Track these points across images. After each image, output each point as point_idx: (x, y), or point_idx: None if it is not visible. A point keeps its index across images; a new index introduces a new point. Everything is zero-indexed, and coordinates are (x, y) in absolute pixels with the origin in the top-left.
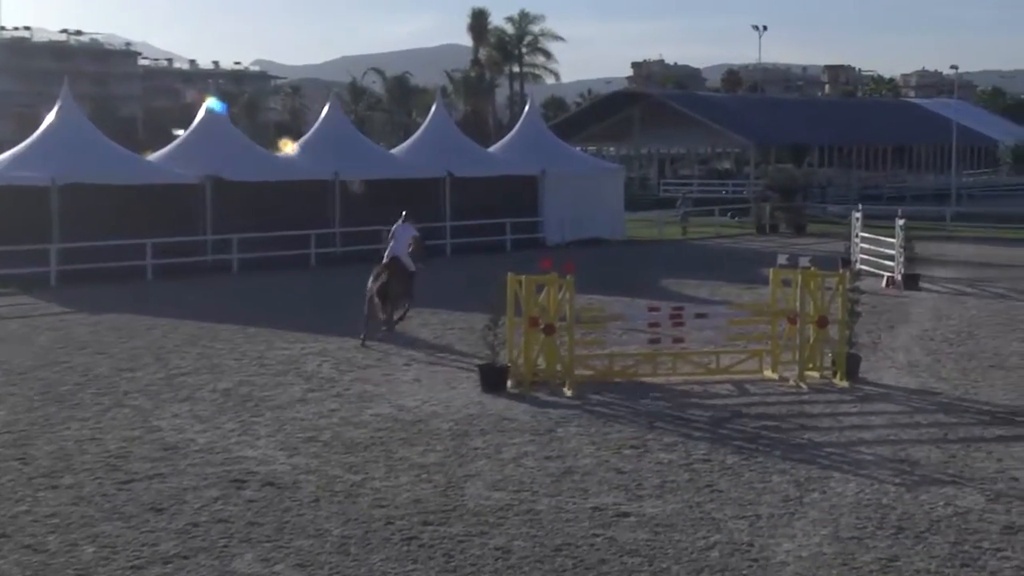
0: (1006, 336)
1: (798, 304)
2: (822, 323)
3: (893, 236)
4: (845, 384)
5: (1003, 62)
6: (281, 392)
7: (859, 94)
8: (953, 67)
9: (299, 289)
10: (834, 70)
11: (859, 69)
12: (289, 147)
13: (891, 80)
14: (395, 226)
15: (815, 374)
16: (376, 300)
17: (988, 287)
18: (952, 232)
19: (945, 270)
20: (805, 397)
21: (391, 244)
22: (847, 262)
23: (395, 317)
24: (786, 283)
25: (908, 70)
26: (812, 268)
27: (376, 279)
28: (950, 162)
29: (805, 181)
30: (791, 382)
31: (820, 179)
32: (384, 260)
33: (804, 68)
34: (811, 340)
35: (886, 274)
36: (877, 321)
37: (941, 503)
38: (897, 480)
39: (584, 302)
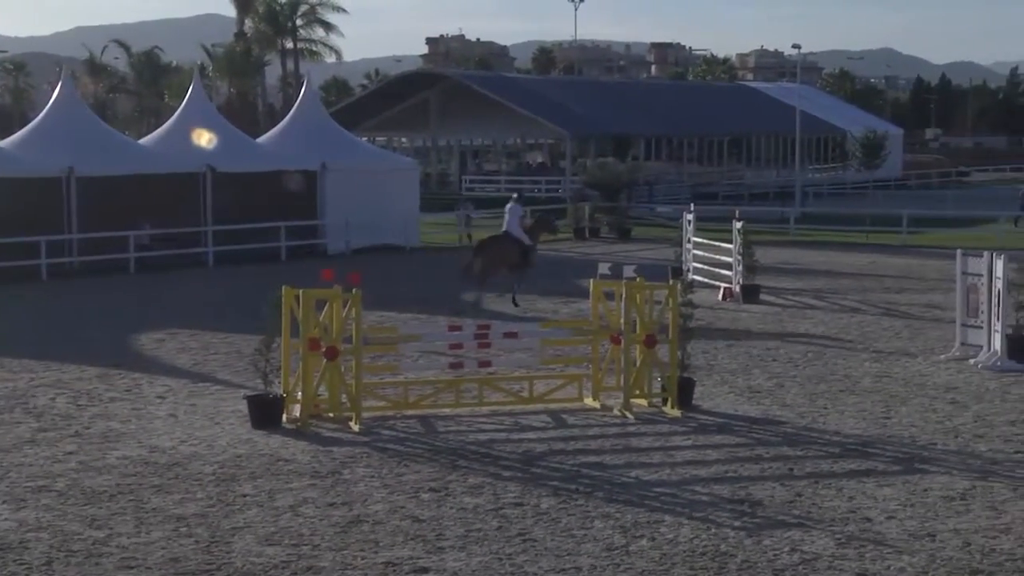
0: (858, 356)
1: (622, 321)
2: (650, 343)
3: (730, 241)
4: (677, 413)
5: (851, 41)
6: (4, 433)
7: (690, 76)
8: (796, 47)
9: (27, 307)
10: (661, 49)
11: (690, 48)
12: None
13: (726, 61)
14: (507, 205)
15: (643, 402)
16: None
17: (837, 299)
18: (797, 236)
19: (789, 280)
20: (631, 428)
21: (505, 220)
22: (678, 271)
23: (514, 290)
24: (609, 296)
25: (745, 49)
26: (638, 279)
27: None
28: (794, 156)
29: (629, 178)
30: (615, 411)
31: (647, 175)
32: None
33: (627, 46)
34: (638, 362)
35: (723, 285)
36: (713, 339)
37: (786, 549)
38: (737, 523)
39: (373, 320)
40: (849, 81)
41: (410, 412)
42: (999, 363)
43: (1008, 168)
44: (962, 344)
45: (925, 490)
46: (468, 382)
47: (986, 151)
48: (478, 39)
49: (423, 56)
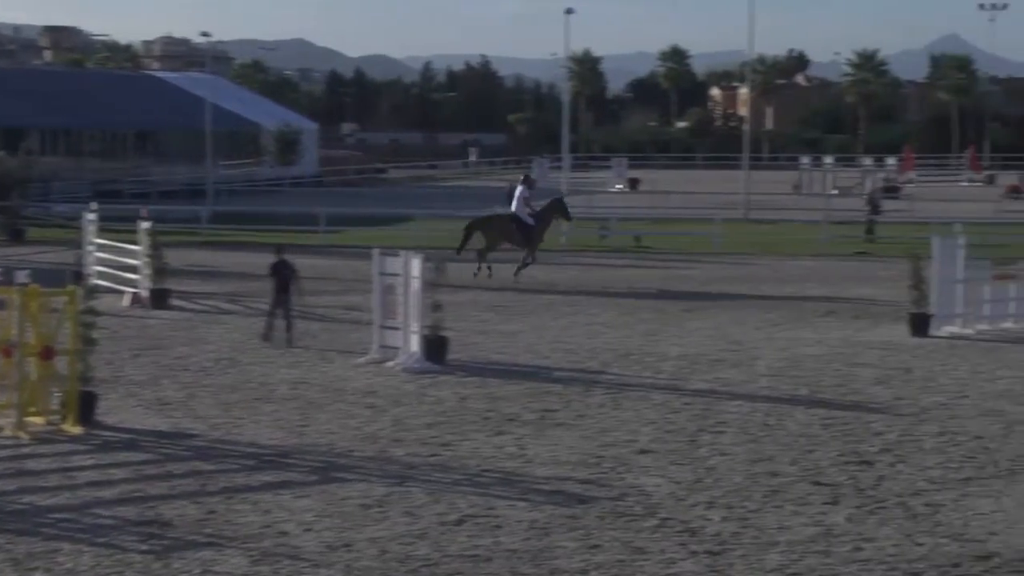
0: (275, 362)
1: (16, 332)
2: (48, 355)
3: (137, 243)
4: (78, 430)
5: (264, 31)
6: None
7: (90, 64)
8: (205, 34)
9: None
10: (56, 33)
11: (89, 33)
12: None
13: (129, 48)
14: (517, 189)
15: (39, 420)
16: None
17: (252, 303)
18: (209, 237)
19: (202, 283)
20: (26, 450)
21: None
22: (80, 276)
23: (520, 267)
24: None
25: (150, 36)
26: (33, 285)
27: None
28: (205, 151)
29: (22, 174)
30: (7, 432)
31: (43, 172)
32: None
33: (16, 28)
34: (34, 377)
35: (130, 290)
36: (119, 349)
37: (198, 571)
38: (144, 546)
39: None
40: (262, 72)
41: None
42: (417, 364)
43: (424, 165)
44: (380, 346)
45: (342, 499)
46: None
47: (403, 147)
48: None
49: None
